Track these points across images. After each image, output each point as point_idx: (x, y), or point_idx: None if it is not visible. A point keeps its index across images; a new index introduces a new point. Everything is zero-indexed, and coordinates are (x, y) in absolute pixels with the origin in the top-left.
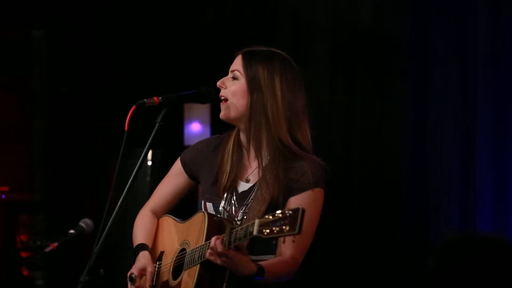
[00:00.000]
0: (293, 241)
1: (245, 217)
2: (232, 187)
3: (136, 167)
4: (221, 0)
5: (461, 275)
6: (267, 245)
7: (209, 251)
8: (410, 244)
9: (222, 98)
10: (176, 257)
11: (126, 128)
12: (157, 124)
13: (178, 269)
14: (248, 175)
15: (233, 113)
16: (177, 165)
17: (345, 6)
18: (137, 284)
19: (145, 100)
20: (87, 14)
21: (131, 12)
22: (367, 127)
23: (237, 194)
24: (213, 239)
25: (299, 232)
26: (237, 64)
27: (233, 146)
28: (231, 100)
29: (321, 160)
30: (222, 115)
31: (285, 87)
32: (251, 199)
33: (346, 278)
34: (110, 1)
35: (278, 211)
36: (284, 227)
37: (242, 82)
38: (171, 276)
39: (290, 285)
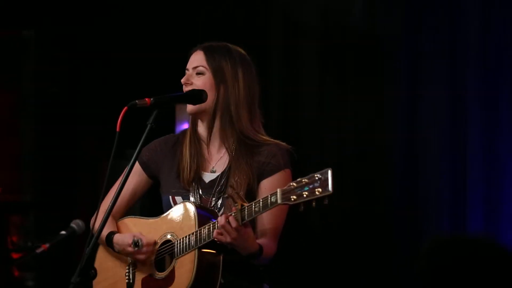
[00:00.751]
0: (300, 209)
1: (218, 203)
2: (196, 178)
3: (127, 168)
4: (213, 1)
5: (451, 276)
6: None
7: (217, 230)
8: (401, 244)
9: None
10: (158, 250)
11: (117, 129)
12: (149, 125)
13: (160, 262)
14: (213, 166)
15: (202, 107)
16: (135, 165)
17: (336, 6)
18: (144, 242)
19: (136, 101)
20: (78, 14)
21: (122, 12)
22: (358, 127)
23: (204, 184)
24: (222, 218)
25: (333, 191)
26: (200, 59)
27: (190, 140)
28: None
29: (286, 144)
30: (190, 109)
31: (246, 77)
32: (222, 186)
33: (339, 277)
34: (101, 1)
35: (303, 178)
36: (315, 190)
37: (208, 76)
38: (154, 269)
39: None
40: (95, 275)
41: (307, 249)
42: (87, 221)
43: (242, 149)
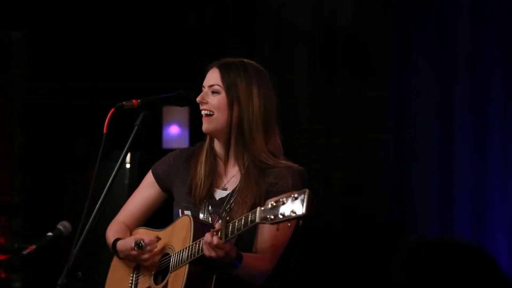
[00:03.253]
0: (278, 230)
1: (228, 217)
2: (208, 196)
3: (115, 170)
4: (203, 4)
5: (428, 280)
6: (249, 247)
7: (205, 246)
8: (389, 246)
9: (206, 113)
10: (158, 263)
11: (104, 130)
12: (136, 127)
13: (159, 275)
14: (225, 184)
15: (217, 127)
16: (149, 178)
17: (326, 8)
18: (146, 241)
19: (124, 102)
20: (67, 16)
21: (111, 14)
22: (347, 129)
23: (214, 202)
24: (208, 234)
25: (307, 213)
26: (215, 78)
27: (206, 156)
28: (216, 114)
29: (298, 165)
30: (206, 128)
31: (262, 95)
32: (231, 204)
33: (325, 279)
34: (90, 3)
35: (282, 197)
36: (290, 210)
37: (223, 96)
38: (152, 282)
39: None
40: (81, 277)
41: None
42: (74, 222)
43: (254, 168)
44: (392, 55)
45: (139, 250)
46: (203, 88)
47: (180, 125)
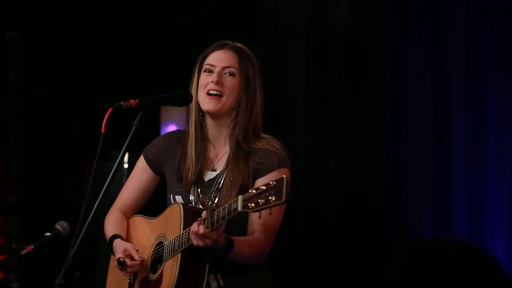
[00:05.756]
0: (260, 217)
1: (215, 204)
2: (198, 179)
3: (113, 170)
4: (199, 3)
5: (424, 282)
6: (242, 231)
7: (192, 235)
8: (385, 247)
9: (217, 93)
10: (153, 252)
11: (102, 130)
12: (134, 127)
13: (155, 263)
14: (214, 165)
15: (225, 108)
16: (141, 162)
17: (322, 8)
18: (128, 264)
19: (121, 102)
20: (63, 16)
21: (107, 13)
22: (343, 129)
23: (204, 183)
24: (195, 224)
25: (286, 201)
26: (232, 60)
27: (195, 141)
28: (228, 96)
29: (280, 142)
30: (214, 108)
31: (261, 85)
32: (219, 185)
33: (323, 280)
34: (86, 2)
35: (261, 185)
36: (270, 197)
37: (237, 80)
38: (149, 271)
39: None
40: (79, 277)
41: (292, 253)
42: (72, 222)
43: (244, 148)
44: (388, 54)
45: (120, 267)
46: (212, 67)
47: (178, 125)
